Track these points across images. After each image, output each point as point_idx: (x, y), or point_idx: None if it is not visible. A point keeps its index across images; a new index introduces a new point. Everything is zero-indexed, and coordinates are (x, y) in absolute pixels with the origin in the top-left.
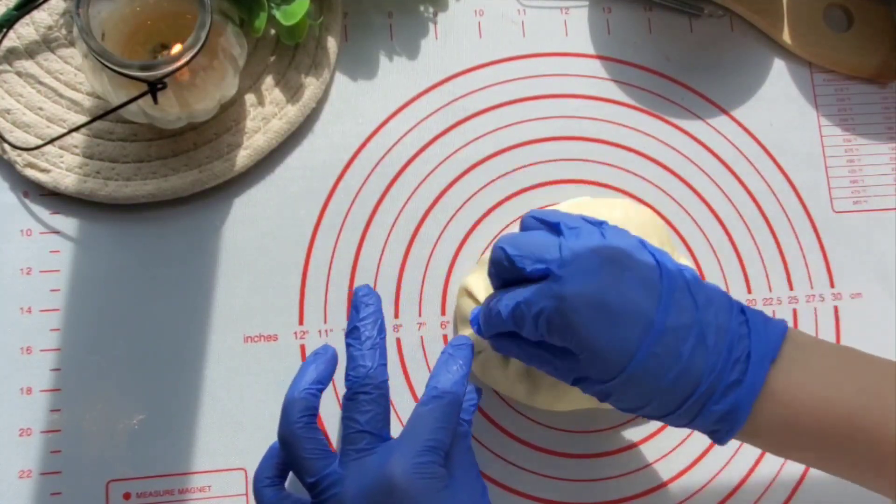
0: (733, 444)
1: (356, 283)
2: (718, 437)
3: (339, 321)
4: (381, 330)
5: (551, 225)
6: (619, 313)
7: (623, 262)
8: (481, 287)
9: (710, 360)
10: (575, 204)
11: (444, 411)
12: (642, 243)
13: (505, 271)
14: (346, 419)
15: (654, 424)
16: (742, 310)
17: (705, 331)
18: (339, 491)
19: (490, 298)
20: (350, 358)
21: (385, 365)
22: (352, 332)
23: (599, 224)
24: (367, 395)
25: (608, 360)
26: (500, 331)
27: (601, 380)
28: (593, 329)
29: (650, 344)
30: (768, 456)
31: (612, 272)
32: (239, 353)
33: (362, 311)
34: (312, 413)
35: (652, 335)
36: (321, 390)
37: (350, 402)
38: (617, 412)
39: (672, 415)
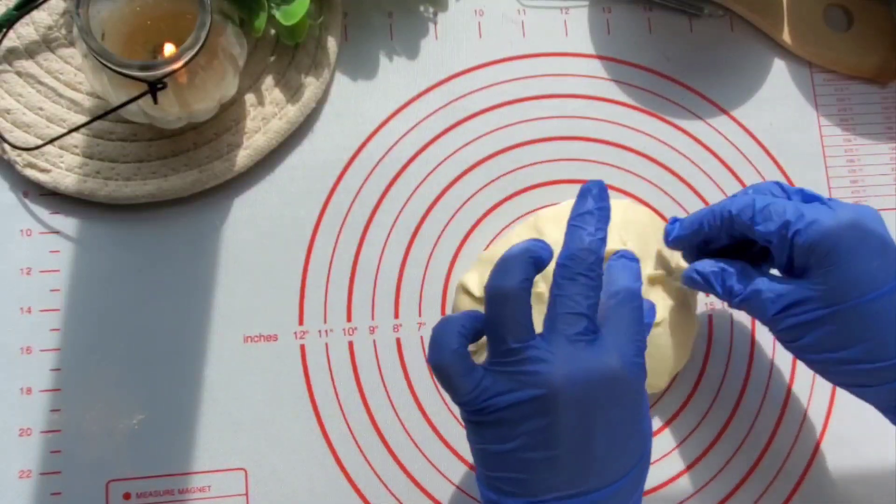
0: (734, 442)
1: (356, 283)
2: None
3: (339, 321)
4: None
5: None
6: (887, 248)
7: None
8: (479, 284)
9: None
10: None
11: (639, 309)
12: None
13: (743, 226)
14: (564, 297)
15: (654, 425)
16: None
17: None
18: (545, 370)
19: (716, 203)
20: (573, 234)
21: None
22: (580, 217)
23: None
24: (590, 279)
25: (855, 282)
26: (698, 240)
27: (832, 303)
28: (856, 250)
29: None
30: (768, 456)
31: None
32: (239, 353)
33: (595, 202)
34: (531, 278)
35: None
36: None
37: (569, 281)
38: None
39: (881, 363)
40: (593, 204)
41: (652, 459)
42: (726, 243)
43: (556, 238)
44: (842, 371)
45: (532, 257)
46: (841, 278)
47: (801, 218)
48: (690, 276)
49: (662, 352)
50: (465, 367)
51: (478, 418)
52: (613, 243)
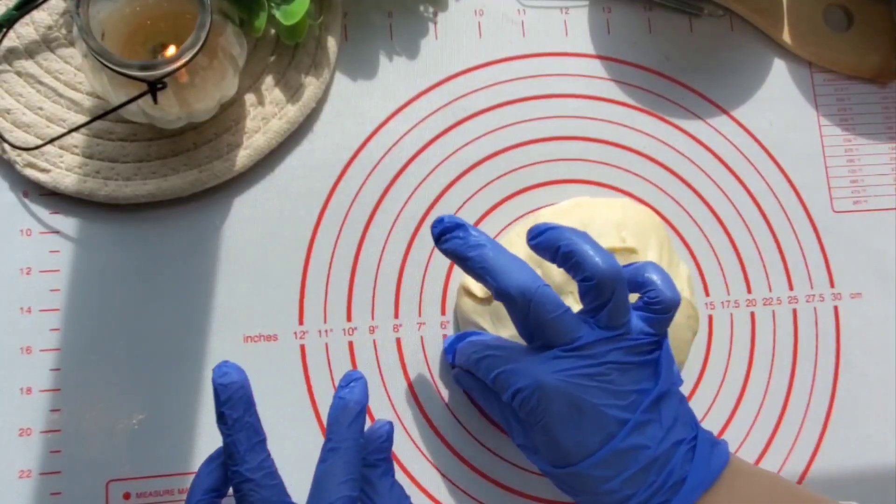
0: (733, 443)
1: (356, 283)
2: None
3: (339, 321)
4: (248, 407)
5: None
6: (590, 420)
7: (612, 377)
8: (480, 285)
9: (648, 479)
10: (574, 204)
11: (344, 462)
12: (659, 343)
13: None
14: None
15: None
16: (695, 436)
17: (657, 455)
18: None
19: (470, 344)
20: (224, 447)
21: (260, 443)
22: (219, 418)
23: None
24: (250, 482)
25: (564, 453)
26: (471, 372)
27: (550, 463)
28: (561, 424)
29: (603, 454)
30: (768, 456)
31: (597, 382)
32: (239, 353)
33: (222, 393)
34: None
35: (608, 448)
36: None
37: (237, 495)
38: None
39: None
40: (218, 400)
41: None
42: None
43: None
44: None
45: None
46: (549, 448)
47: (514, 376)
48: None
49: None
50: None
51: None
52: (613, 242)
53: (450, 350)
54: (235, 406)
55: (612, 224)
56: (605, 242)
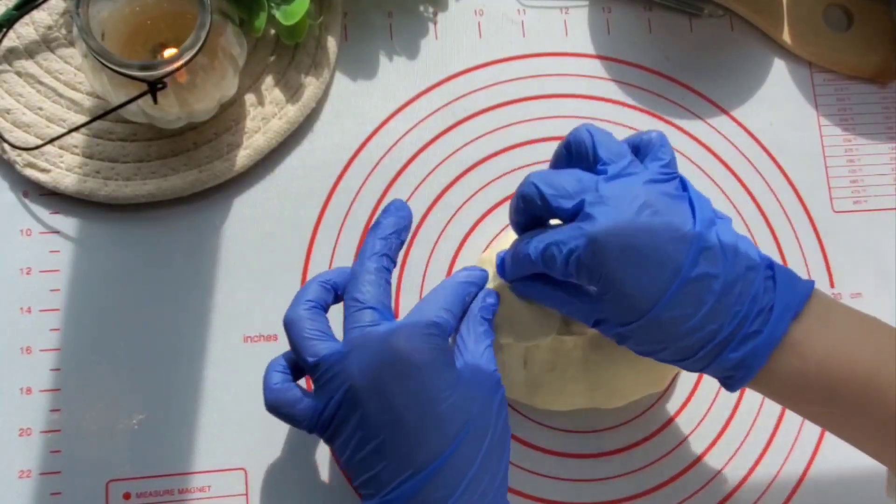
0: (733, 442)
1: None
2: (730, 384)
3: (339, 321)
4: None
5: (591, 157)
6: (649, 258)
7: (658, 207)
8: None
9: (732, 310)
10: None
11: (454, 291)
12: (683, 183)
13: (536, 209)
14: (348, 300)
15: (654, 424)
16: (770, 265)
17: (730, 282)
18: (341, 370)
19: (518, 242)
20: (366, 241)
21: (389, 255)
22: (375, 224)
23: (642, 162)
24: (372, 274)
25: (633, 303)
26: (526, 273)
27: (622, 322)
28: (622, 271)
29: (675, 291)
30: (768, 455)
31: (646, 216)
32: (239, 352)
33: (400, 211)
34: (322, 305)
35: (678, 283)
36: (337, 286)
37: (355, 281)
38: (617, 412)
39: (688, 360)
40: (385, 215)
41: (651, 459)
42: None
43: None
44: (668, 361)
45: (322, 282)
46: (617, 302)
47: (561, 245)
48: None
49: None
50: (291, 399)
51: (325, 437)
52: None
53: (500, 266)
54: (402, 231)
55: None
56: None
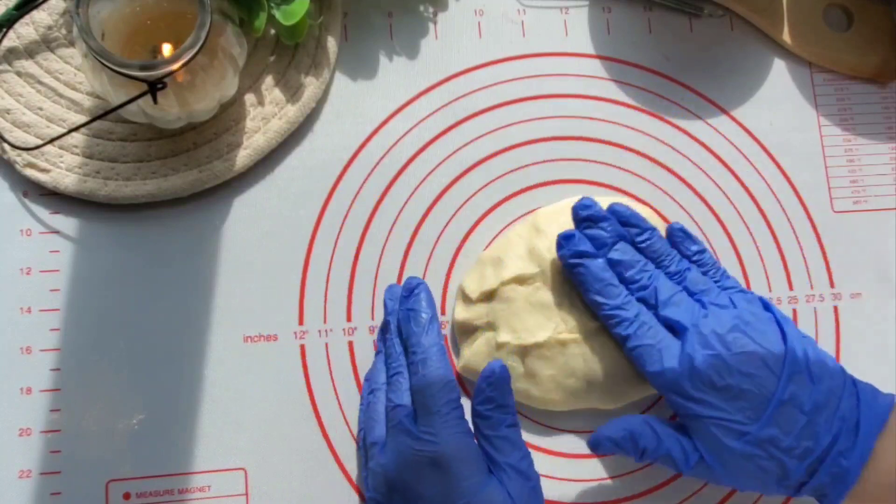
0: None
1: (356, 283)
2: (829, 501)
3: (339, 321)
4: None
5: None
6: (744, 381)
7: (750, 335)
8: (477, 285)
9: (825, 427)
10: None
11: (438, 368)
12: (768, 308)
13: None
14: (390, 396)
15: None
16: (854, 382)
17: (819, 404)
18: (378, 467)
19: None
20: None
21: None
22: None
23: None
24: (400, 374)
25: (732, 424)
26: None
27: (725, 439)
28: (719, 396)
29: (770, 412)
30: None
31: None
32: (239, 353)
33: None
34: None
35: (774, 403)
36: None
37: (387, 383)
38: (616, 412)
39: (788, 477)
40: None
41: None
42: None
43: (555, 234)
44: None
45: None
46: (723, 425)
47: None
48: (599, 442)
49: None
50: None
51: None
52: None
53: (600, 447)
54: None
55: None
56: None
